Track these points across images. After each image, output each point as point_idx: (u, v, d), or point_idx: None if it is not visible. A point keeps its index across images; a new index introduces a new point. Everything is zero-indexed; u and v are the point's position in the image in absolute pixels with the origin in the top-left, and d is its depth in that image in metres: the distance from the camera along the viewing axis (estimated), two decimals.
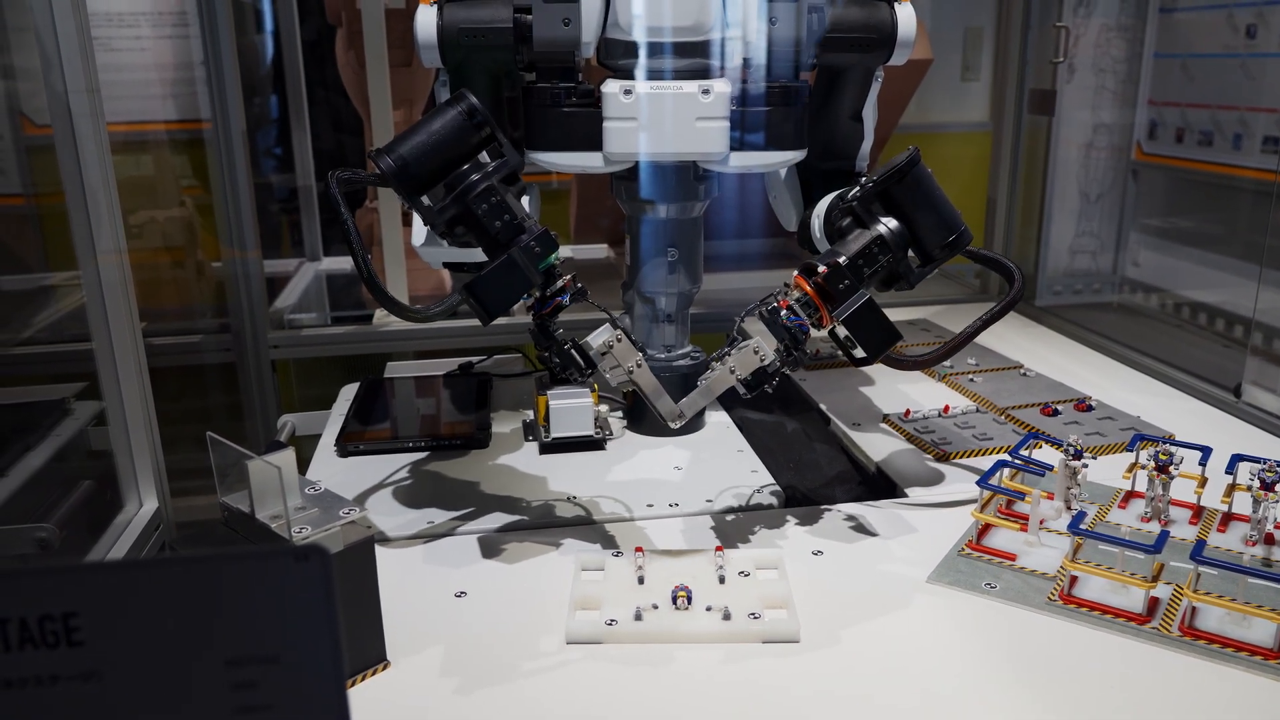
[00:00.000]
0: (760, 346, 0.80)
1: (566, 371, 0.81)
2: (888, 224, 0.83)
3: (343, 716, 0.40)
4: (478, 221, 0.77)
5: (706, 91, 0.93)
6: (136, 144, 1.85)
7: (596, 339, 0.80)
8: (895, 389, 1.22)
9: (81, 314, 1.06)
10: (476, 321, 0.79)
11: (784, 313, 0.81)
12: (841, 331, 0.83)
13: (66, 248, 1.05)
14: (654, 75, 0.94)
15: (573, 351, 0.80)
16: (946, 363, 1.27)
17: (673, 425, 0.82)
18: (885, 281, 0.85)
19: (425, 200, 0.79)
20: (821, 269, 0.81)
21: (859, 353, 0.84)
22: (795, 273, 0.83)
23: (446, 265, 1.03)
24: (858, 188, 0.83)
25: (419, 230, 0.97)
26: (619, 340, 0.80)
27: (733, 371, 0.80)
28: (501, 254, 0.77)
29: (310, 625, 0.40)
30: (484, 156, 0.80)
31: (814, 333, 0.82)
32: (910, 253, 0.84)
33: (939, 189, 0.83)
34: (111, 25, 1.84)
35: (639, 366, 0.80)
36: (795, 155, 0.97)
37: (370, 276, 0.78)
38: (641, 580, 0.76)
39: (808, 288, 0.81)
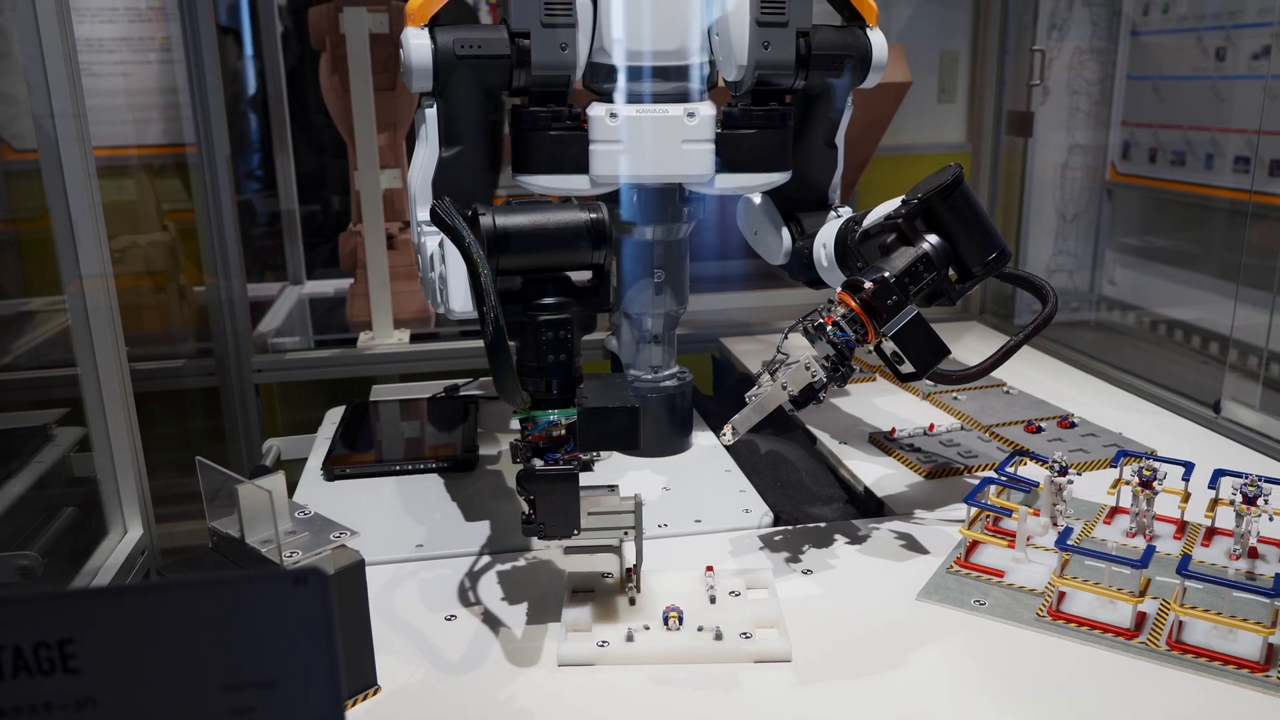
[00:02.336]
0: (812, 364, 0.80)
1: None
2: (931, 241, 0.82)
3: None
4: (534, 343, 0.71)
5: (692, 114, 0.94)
6: (119, 168, 1.85)
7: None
8: (880, 408, 1.23)
9: (61, 339, 1.06)
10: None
11: (830, 329, 0.81)
12: (888, 347, 0.82)
13: (46, 273, 1.04)
14: (640, 98, 0.95)
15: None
16: (928, 383, 1.28)
17: (725, 442, 0.83)
18: (928, 298, 0.84)
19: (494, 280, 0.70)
20: (868, 285, 0.81)
21: (906, 368, 0.83)
22: (839, 289, 0.83)
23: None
24: (898, 204, 0.84)
25: (458, 292, 0.91)
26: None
27: (785, 388, 0.80)
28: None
29: (308, 649, 0.39)
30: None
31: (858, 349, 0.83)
32: (950, 269, 0.84)
33: (981, 207, 0.84)
34: (93, 51, 1.84)
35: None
36: (780, 177, 0.99)
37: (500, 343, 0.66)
38: (633, 601, 0.76)
39: (853, 304, 0.81)
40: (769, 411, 0.82)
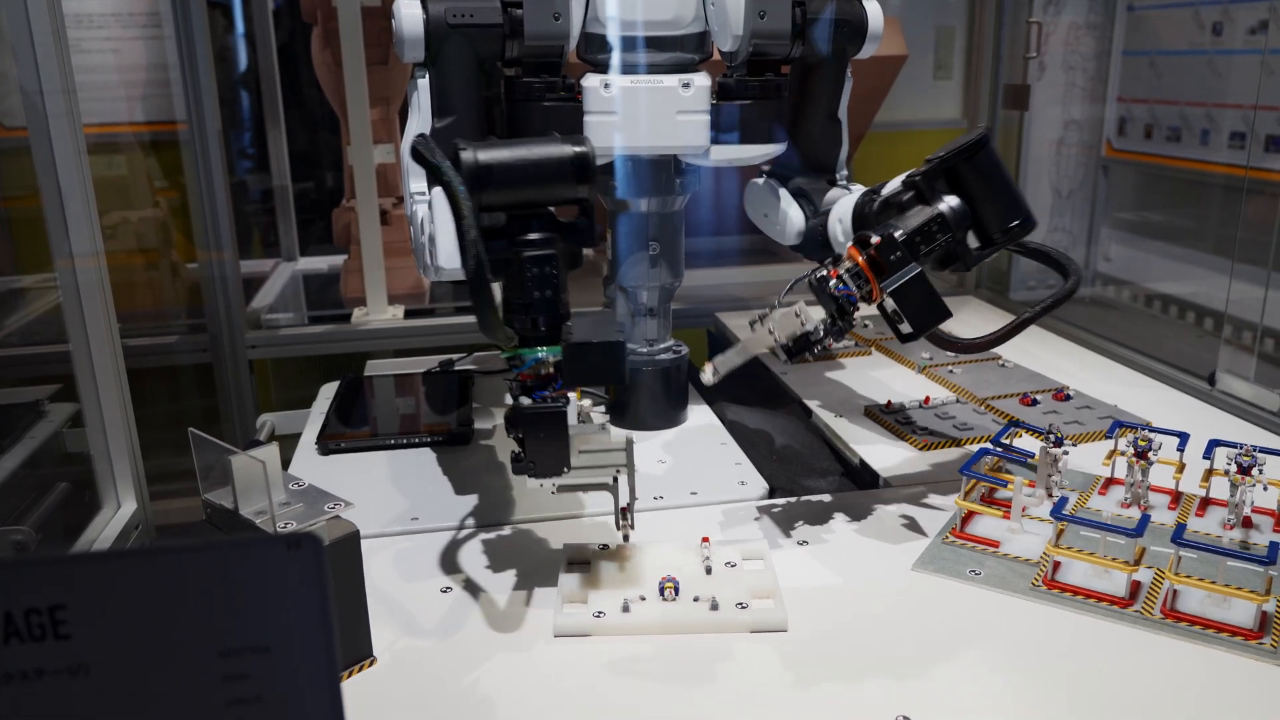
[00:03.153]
0: (801, 310, 0.78)
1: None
2: (950, 202, 0.80)
3: (335, 706, 0.40)
4: (519, 279, 0.70)
5: (687, 85, 0.93)
6: (109, 145, 1.83)
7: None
8: (876, 381, 1.23)
9: (52, 316, 1.05)
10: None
11: (833, 282, 0.78)
12: (888, 304, 0.80)
13: (36, 250, 1.04)
14: (634, 69, 0.94)
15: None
16: (925, 355, 1.28)
17: (706, 381, 0.82)
18: (942, 261, 0.82)
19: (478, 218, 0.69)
20: (875, 240, 0.78)
21: (905, 328, 0.80)
22: (849, 243, 0.81)
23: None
24: (923, 165, 0.81)
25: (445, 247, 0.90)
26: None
27: (771, 333, 0.79)
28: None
29: (302, 614, 0.39)
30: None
31: (865, 309, 0.80)
32: (970, 235, 0.81)
33: (1007, 172, 0.81)
34: (82, 27, 1.82)
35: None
36: (776, 148, 0.98)
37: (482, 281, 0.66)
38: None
39: (860, 259, 0.78)
40: (752, 355, 0.80)
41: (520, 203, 0.71)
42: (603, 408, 1.14)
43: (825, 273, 0.79)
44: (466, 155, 0.69)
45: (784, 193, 1.05)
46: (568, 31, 0.90)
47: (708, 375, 0.81)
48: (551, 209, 0.72)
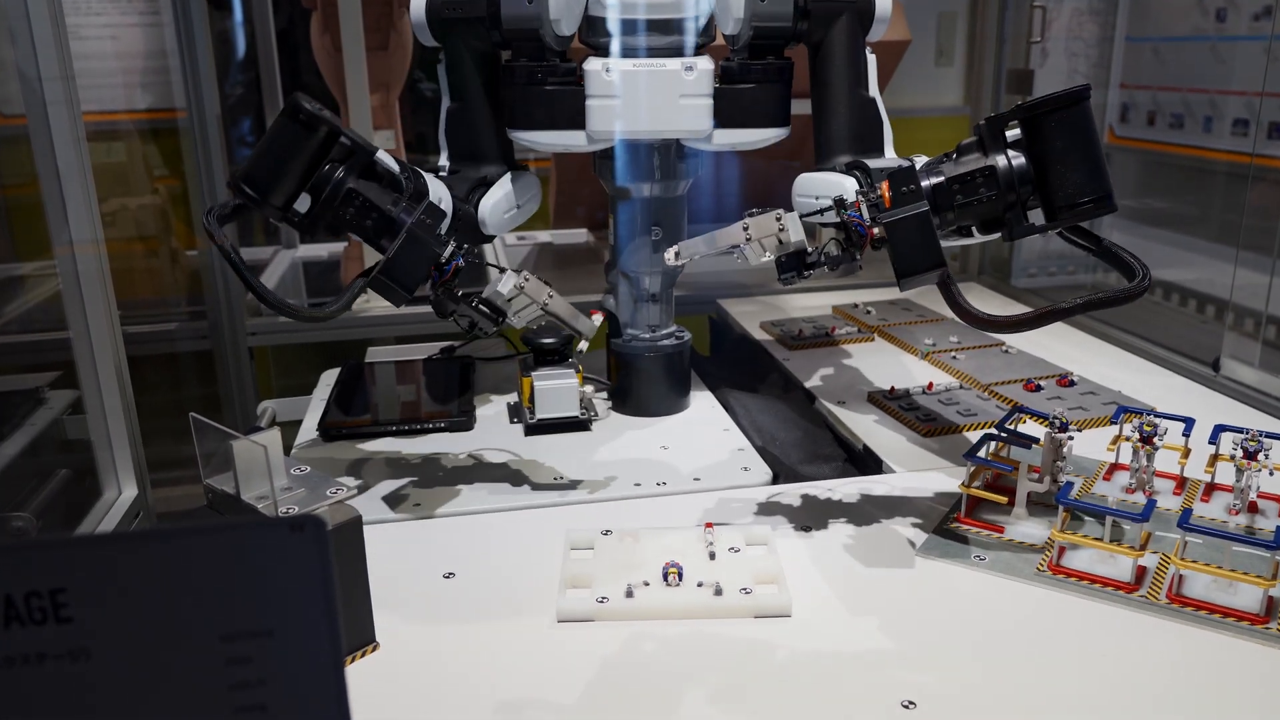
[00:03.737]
0: (783, 217, 0.73)
1: (476, 329, 0.82)
2: (1011, 158, 0.72)
3: (339, 690, 0.40)
4: (349, 225, 0.78)
5: (690, 68, 0.92)
6: (108, 133, 1.82)
7: (505, 284, 0.81)
8: (879, 366, 1.22)
9: (52, 304, 1.05)
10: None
11: (848, 209, 0.73)
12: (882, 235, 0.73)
13: (35, 238, 1.03)
14: (637, 53, 0.93)
15: (480, 306, 0.81)
16: (928, 340, 1.28)
17: (669, 261, 0.78)
18: (981, 221, 0.74)
19: (297, 208, 0.78)
20: (894, 168, 0.73)
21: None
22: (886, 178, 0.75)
23: None
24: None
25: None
26: (526, 280, 0.81)
27: (746, 230, 0.74)
28: (396, 233, 0.77)
29: (306, 598, 0.39)
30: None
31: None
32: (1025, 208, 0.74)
33: (1097, 139, 0.70)
34: (81, 13, 1.81)
35: (551, 298, 0.82)
36: (779, 133, 0.97)
37: (257, 288, 0.77)
38: (631, 557, 0.76)
39: (886, 194, 0.73)
40: (722, 250, 0.76)
41: (297, 174, 0.77)
42: (605, 394, 1.14)
43: (853, 199, 0.74)
44: (231, 181, 0.78)
45: (835, 175, 0.95)
46: (541, 15, 0.90)
47: (670, 256, 0.77)
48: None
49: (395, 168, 0.81)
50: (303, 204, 0.78)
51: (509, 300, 0.81)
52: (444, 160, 0.98)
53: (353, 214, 0.78)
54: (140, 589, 0.38)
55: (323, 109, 0.76)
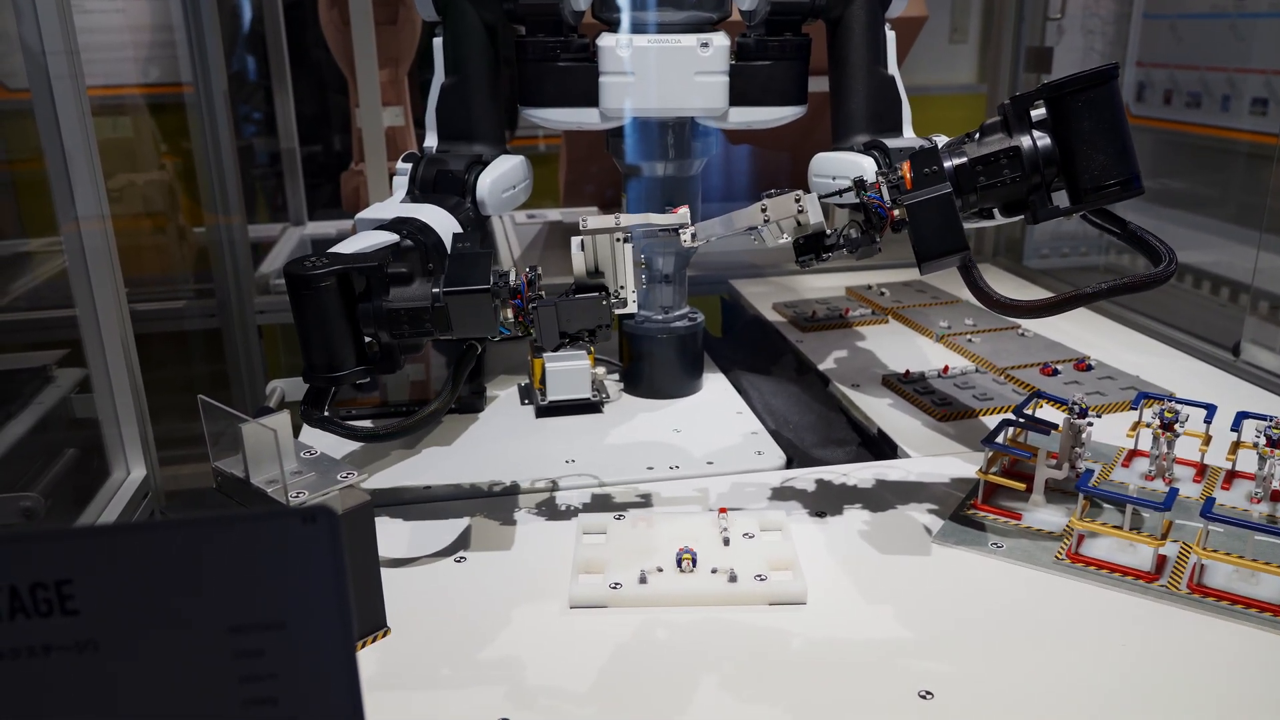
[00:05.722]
0: (802, 198, 0.72)
1: (597, 331, 0.75)
2: (1037, 138, 0.70)
3: (352, 683, 0.39)
4: (416, 337, 0.74)
5: (705, 45, 0.90)
6: (114, 108, 1.81)
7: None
8: (894, 350, 1.21)
9: (59, 281, 1.04)
10: None
11: (868, 190, 0.72)
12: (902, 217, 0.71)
13: (43, 214, 1.02)
14: (651, 28, 0.91)
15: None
16: (943, 322, 1.26)
17: (685, 243, 0.75)
18: (1005, 204, 0.72)
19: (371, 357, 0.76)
20: (917, 149, 0.71)
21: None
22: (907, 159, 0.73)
23: None
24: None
25: None
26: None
27: (764, 211, 0.73)
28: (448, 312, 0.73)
29: (317, 590, 0.38)
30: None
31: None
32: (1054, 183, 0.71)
33: (1124, 120, 0.68)
34: None
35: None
36: (796, 111, 0.95)
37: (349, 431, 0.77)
38: (644, 543, 0.75)
39: (908, 174, 0.71)
40: (739, 231, 0.74)
41: (352, 332, 0.74)
42: (617, 375, 1.13)
43: (874, 180, 0.72)
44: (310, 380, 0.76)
45: (853, 155, 0.94)
46: None
47: (685, 237, 0.75)
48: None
49: (407, 243, 0.77)
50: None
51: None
52: (432, 140, 0.95)
53: (409, 330, 0.73)
54: (148, 581, 0.37)
55: (313, 258, 0.72)
